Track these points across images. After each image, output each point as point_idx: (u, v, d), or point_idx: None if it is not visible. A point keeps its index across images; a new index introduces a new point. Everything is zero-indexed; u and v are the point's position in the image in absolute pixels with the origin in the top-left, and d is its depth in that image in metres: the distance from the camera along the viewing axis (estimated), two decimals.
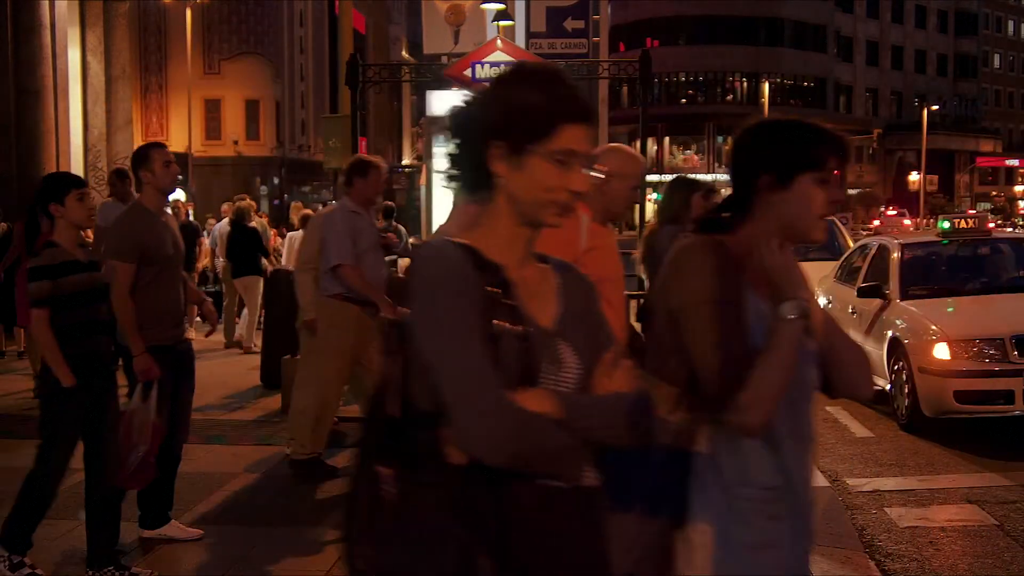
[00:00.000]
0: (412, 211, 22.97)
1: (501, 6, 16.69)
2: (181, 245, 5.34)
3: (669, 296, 2.30)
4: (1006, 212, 60.17)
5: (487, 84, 1.98)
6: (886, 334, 8.79)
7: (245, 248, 12.10)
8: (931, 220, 37.75)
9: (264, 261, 12.39)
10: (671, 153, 65.72)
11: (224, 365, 11.17)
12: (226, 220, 14.13)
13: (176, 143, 38.80)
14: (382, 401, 1.90)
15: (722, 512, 2.23)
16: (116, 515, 4.92)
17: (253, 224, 12.69)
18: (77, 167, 17.69)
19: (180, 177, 29.18)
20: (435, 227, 15.86)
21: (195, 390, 5.41)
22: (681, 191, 6.39)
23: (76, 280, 4.64)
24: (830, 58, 70.70)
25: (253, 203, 12.92)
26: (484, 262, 1.89)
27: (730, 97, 67.34)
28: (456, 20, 20.60)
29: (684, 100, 66.85)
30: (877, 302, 9.21)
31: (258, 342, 10.99)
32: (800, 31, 67.94)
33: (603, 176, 3.48)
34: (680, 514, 2.25)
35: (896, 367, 8.58)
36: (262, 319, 11.10)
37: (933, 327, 8.21)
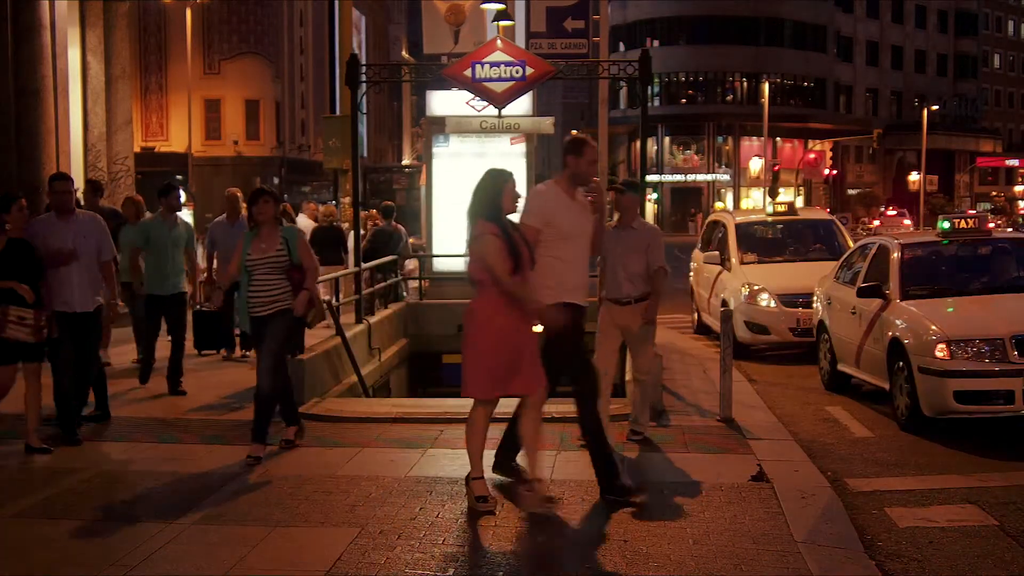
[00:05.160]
0: (412, 211, 22.97)
1: (501, 6, 16.69)
2: None
3: None
4: (1006, 212, 60.14)
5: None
6: (886, 334, 8.80)
7: (331, 243, 13.92)
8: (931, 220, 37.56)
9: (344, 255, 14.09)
10: (671, 153, 65.63)
11: (224, 365, 11.17)
12: (303, 216, 15.99)
13: (176, 143, 38.88)
14: None
15: None
16: None
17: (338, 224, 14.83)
18: (77, 167, 17.67)
19: (180, 177, 29.41)
20: (435, 227, 15.87)
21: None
22: None
23: None
24: (830, 58, 70.67)
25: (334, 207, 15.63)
26: None
27: (730, 97, 67.28)
28: (456, 20, 20.62)
29: (684, 100, 66.79)
30: (877, 302, 9.21)
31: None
32: (800, 31, 67.89)
33: None
34: None
35: (896, 367, 8.58)
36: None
37: (933, 327, 8.21)
